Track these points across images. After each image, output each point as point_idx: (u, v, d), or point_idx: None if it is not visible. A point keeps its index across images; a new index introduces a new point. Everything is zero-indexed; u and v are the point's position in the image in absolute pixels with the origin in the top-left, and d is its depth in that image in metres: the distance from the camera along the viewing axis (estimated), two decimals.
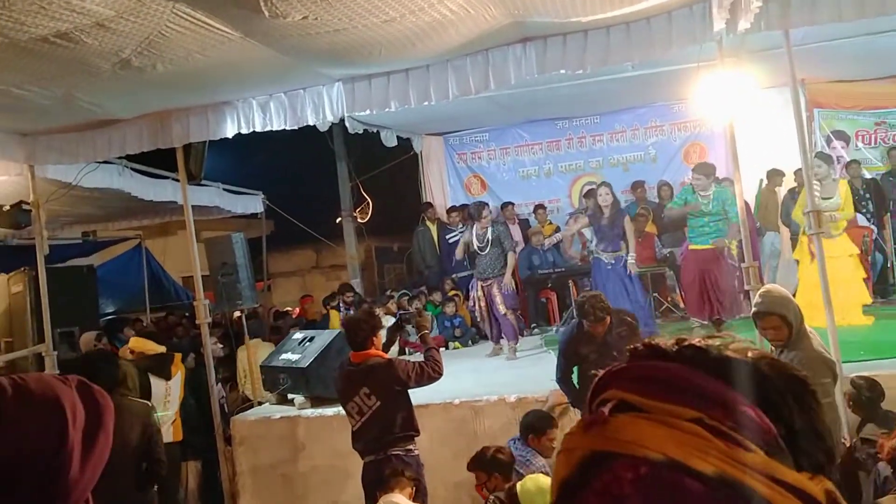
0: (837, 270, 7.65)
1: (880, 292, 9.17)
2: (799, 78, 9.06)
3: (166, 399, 5.97)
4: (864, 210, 9.40)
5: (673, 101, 10.89)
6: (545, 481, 4.21)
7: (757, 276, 5.71)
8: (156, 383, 5.90)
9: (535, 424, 5.02)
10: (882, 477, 3.87)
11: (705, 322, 8.12)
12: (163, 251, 13.99)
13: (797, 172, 9.07)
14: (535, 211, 11.35)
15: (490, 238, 8.26)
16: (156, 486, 5.00)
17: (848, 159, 10.09)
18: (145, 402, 5.10)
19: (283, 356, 6.98)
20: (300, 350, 6.84)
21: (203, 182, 8.86)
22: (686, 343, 0.78)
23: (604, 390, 0.77)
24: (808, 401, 0.76)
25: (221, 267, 7.58)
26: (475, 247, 8.36)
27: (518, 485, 4.15)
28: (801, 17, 5.51)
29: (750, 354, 0.77)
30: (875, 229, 9.39)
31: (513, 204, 11.28)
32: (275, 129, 6.53)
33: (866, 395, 4.59)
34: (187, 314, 11.17)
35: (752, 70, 7.56)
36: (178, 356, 6.40)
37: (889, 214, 9.56)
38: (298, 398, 6.66)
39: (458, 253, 8.87)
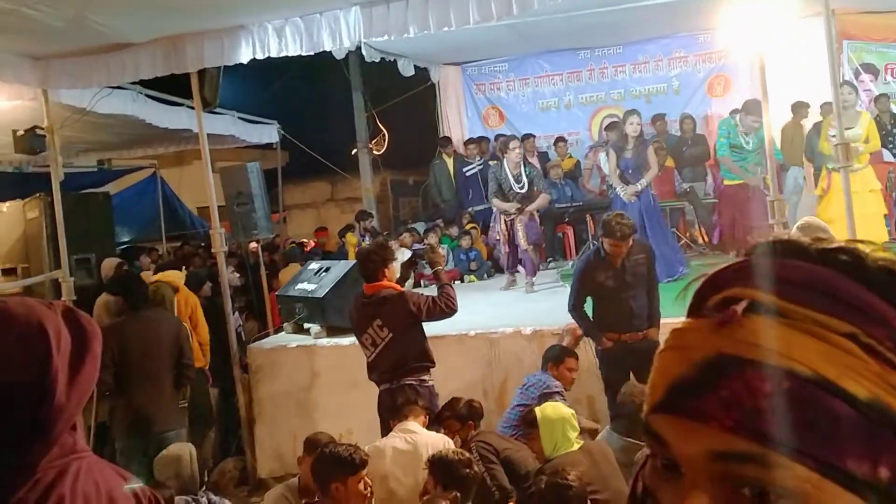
0: (857, 206, 7.51)
1: None
2: (830, 7, 8.81)
3: None
4: (892, 145, 9.18)
5: (699, 31, 10.58)
6: (566, 410, 4.20)
7: (782, 210, 5.60)
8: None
9: (555, 354, 5.03)
10: None
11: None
12: (178, 180, 13.94)
13: (823, 106, 8.85)
14: (555, 143, 11.17)
15: (525, 181, 8.14)
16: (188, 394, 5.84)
17: (877, 93, 9.82)
18: (177, 317, 5.94)
19: (300, 286, 6.97)
20: (316, 280, 6.83)
21: (218, 110, 8.74)
22: (836, 245, 0.65)
23: (724, 287, 0.65)
24: None
25: (237, 196, 7.52)
26: (512, 187, 8.17)
27: (537, 409, 4.15)
28: None
29: None
30: None
31: (534, 136, 11.09)
32: (290, 54, 6.38)
33: None
34: (203, 244, 11.18)
35: None
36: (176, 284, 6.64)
37: None
38: (314, 327, 6.67)
39: (491, 195, 8.45)
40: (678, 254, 8.10)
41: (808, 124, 9.33)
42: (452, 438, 4.41)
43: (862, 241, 0.68)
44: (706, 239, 9.77)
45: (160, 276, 6.84)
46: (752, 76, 9.31)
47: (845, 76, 10.11)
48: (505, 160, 8.29)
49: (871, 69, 10.42)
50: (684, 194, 9.88)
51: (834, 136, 7.38)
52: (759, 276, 0.64)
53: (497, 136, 11.05)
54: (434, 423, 4.54)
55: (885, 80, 10.43)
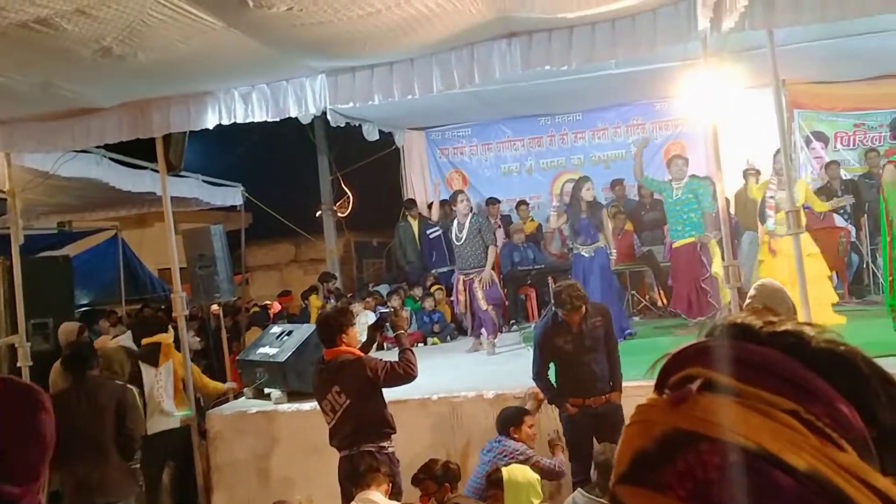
0: (806, 269, 7.72)
1: (856, 293, 9.27)
2: (780, 78, 9.17)
3: (157, 384, 6.34)
4: (842, 211, 9.49)
5: (655, 99, 10.93)
6: (531, 475, 4.21)
7: (737, 274, 5.73)
8: (146, 370, 6.35)
9: (513, 416, 5.03)
10: None
11: (693, 319, 8.13)
12: (139, 242, 13.83)
13: (746, 171, 9.21)
14: (517, 207, 11.36)
15: (469, 228, 8.23)
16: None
17: (827, 160, 10.18)
18: (122, 383, 5.76)
19: (261, 350, 6.92)
20: (278, 344, 6.79)
21: (182, 173, 8.77)
22: (780, 328, 0.72)
23: (684, 366, 0.72)
24: None
25: (199, 259, 7.51)
26: (454, 236, 8.33)
27: (504, 471, 4.15)
28: (785, 17, 5.53)
29: (843, 348, 0.72)
30: (852, 230, 9.48)
31: (499, 202, 11.26)
32: (256, 120, 6.48)
33: None
34: (163, 307, 11.06)
35: (734, 69, 7.59)
36: (168, 346, 6.53)
37: (865, 216, 9.64)
38: (275, 392, 6.61)
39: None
40: (624, 318, 8.23)
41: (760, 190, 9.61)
42: (427, 501, 4.39)
43: (808, 324, 0.76)
44: (665, 301, 9.91)
45: (155, 338, 6.63)
46: (706, 143, 9.61)
47: (796, 143, 10.50)
48: (456, 215, 8.41)
49: (821, 137, 10.83)
50: (643, 258, 10.06)
51: (772, 197, 7.64)
52: (713, 357, 0.71)
53: None
54: (411, 484, 4.53)
55: (835, 147, 10.83)
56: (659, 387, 0.74)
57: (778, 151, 7.72)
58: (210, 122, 6.37)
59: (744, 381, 0.67)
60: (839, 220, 9.41)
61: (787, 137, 8.44)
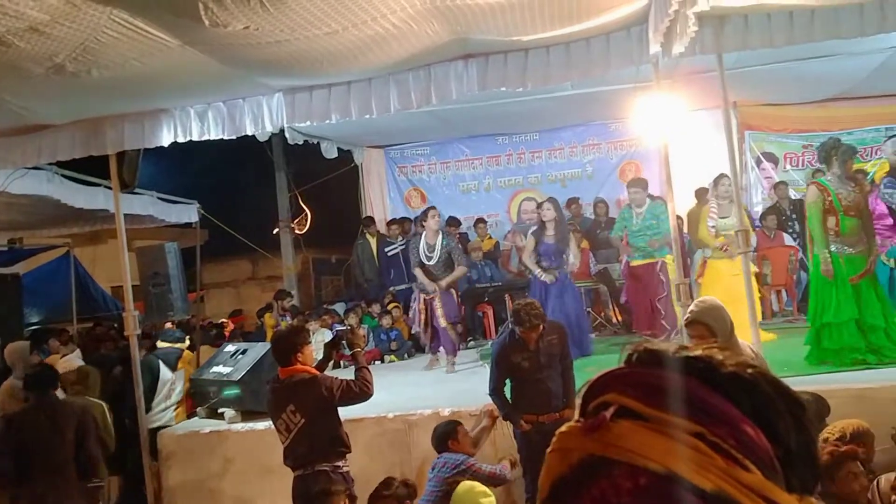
0: (736, 289, 7.89)
1: (804, 309, 9.46)
2: (731, 100, 9.38)
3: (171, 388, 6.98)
4: (791, 230, 9.72)
5: (610, 120, 11.11)
6: (480, 488, 4.22)
7: (687, 292, 5.84)
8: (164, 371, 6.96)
9: (447, 431, 5.04)
10: None
11: (654, 337, 8.24)
12: (92, 260, 13.61)
13: (697, 192, 9.39)
14: (475, 225, 11.43)
15: (440, 251, 8.24)
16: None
17: (776, 180, 10.42)
18: (84, 402, 5.84)
19: (214, 369, 6.84)
20: (232, 363, 6.72)
21: (136, 190, 8.66)
22: (690, 354, 0.77)
23: (602, 393, 0.75)
24: (804, 422, 0.76)
25: (153, 277, 7.43)
26: (424, 257, 8.30)
27: (462, 485, 4.17)
28: (734, 42, 5.70)
29: (750, 371, 0.76)
30: (800, 249, 9.70)
31: (459, 223, 11.32)
32: (212, 138, 6.44)
33: (814, 408, 4.68)
34: (116, 325, 10.88)
35: (686, 92, 7.78)
36: (187, 353, 7.06)
37: None
38: (229, 412, 6.54)
39: (413, 266, 8.51)
40: (587, 334, 8.32)
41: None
42: None
43: (718, 348, 0.80)
44: (619, 319, 10.04)
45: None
46: (660, 163, 9.77)
47: (748, 164, 10.76)
48: (424, 232, 8.42)
49: (771, 158, 11.11)
50: (598, 275, 10.18)
51: (713, 226, 7.80)
52: (626, 384, 0.75)
53: (417, 218, 11.26)
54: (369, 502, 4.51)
55: (785, 168, 11.11)
56: (582, 412, 0.77)
57: (720, 176, 7.88)
58: (165, 139, 6.32)
59: (654, 407, 0.71)
60: (788, 240, 9.63)
61: (738, 158, 8.64)
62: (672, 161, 6.22)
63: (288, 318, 9.77)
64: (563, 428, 0.75)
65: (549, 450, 0.74)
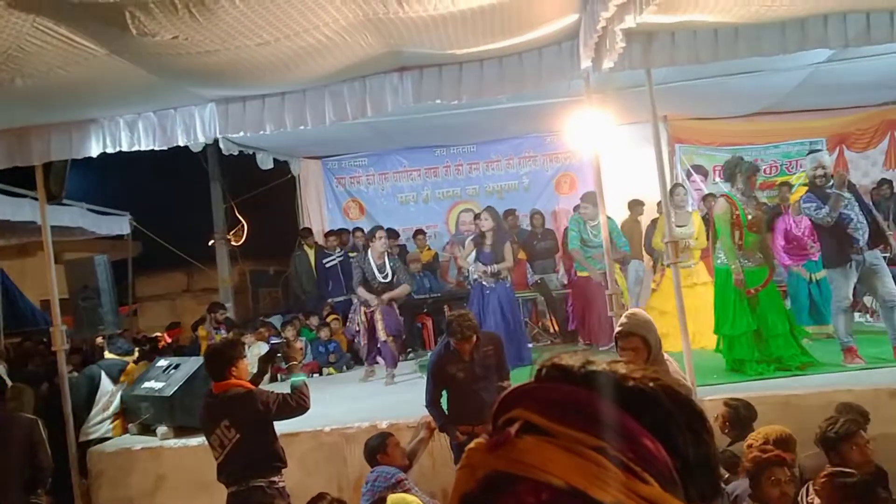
0: (690, 298, 8.09)
1: None
2: (662, 114, 9.63)
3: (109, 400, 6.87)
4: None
5: (545, 132, 11.26)
6: (411, 499, 4.21)
7: (619, 302, 5.95)
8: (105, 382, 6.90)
9: (376, 445, 5.03)
10: (734, 495, 4.05)
11: (602, 346, 8.36)
12: (21, 273, 13.19)
13: (660, 203, 9.57)
14: (414, 236, 11.44)
15: (390, 270, 8.27)
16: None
17: (706, 192, 10.70)
18: (31, 417, 5.75)
19: (146, 384, 6.70)
20: (164, 378, 6.59)
21: (65, 201, 8.45)
22: (594, 369, 0.79)
23: (510, 408, 0.77)
24: (704, 434, 0.79)
25: (82, 290, 7.26)
26: (376, 277, 8.28)
27: (389, 499, 4.15)
28: (661, 58, 5.86)
29: (651, 385, 0.78)
30: None
31: (398, 234, 11.32)
32: (143, 149, 6.34)
33: (743, 414, 4.80)
34: (45, 339, 10.56)
35: (618, 106, 7.93)
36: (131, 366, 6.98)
37: None
38: (161, 428, 6.40)
39: (356, 284, 8.47)
40: (525, 344, 8.42)
41: (644, 220, 10.03)
42: None
43: (622, 363, 0.82)
44: (556, 329, 10.16)
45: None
46: (593, 175, 9.94)
47: (678, 177, 11.01)
48: (370, 250, 8.40)
49: (700, 170, 11.40)
50: (535, 286, 10.29)
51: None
52: (531, 399, 0.77)
53: (355, 229, 11.24)
54: None
55: (714, 180, 11.40)
56: (492, 428, 0.79)
57: (675, 186, 8.13)
58: (94, 150, 6.19)
59: (557, 422, 0.73)
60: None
61: (669, 170, 8.87)
62: (605, 173, 6.35)
63: (222, 330, 9.62)
64: (472, 444, 0.76)
65: (458, 466, 0.76)
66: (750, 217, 6.57)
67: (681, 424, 0.78)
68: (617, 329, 4.14)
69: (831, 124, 11.25)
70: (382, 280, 8.26)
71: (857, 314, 9.42)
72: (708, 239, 7.38)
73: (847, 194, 6.53)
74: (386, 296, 8.22)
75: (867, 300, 8.66)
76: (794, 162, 11.34)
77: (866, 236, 6.55)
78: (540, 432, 0.73)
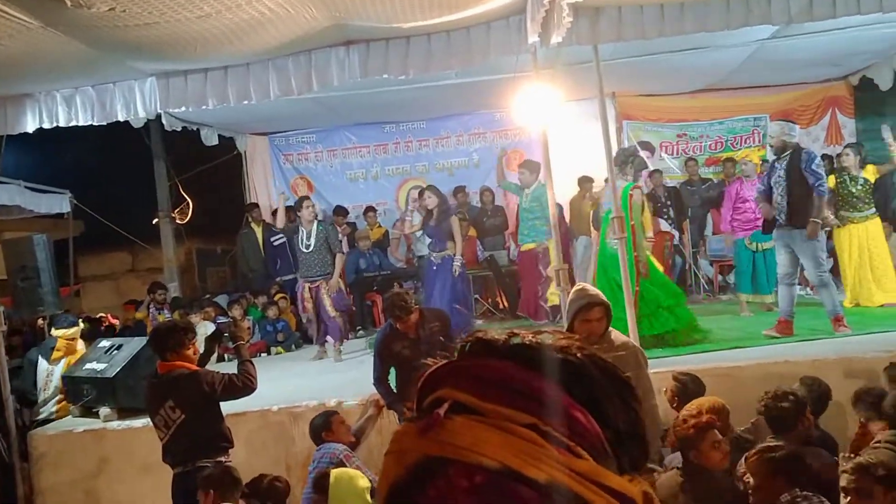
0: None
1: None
2: (609, 91, 9.68)
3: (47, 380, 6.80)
4: (666, 216, 10.11)
5: (495, 109, 11.23)
6: (362, 484, 4.21)
7: (567, 278, 5.99)
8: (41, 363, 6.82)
9: (320, 423, 5.02)
10: (671, 467, 4.11)
11: (538, 322, 8.45)
12: None
13: (580, 178, 9.74)
14: (364, 213, 11.36)
15: (316, 236, 8.18)
16: None
17: (652, 168, 10.81)
18: None
19: (88, 365, 6.55)
20: (107, 359, 6.45)
21: (1, 179, 8.18)
22: (518, 341, 0.76)
23: (436, 388, 0.74)
24: (632, 403, 0.77)
25: (20, 270, 7.05)
26: (301, 245, 8.25)
27: (333, 473, 4.14)
28: (608, 33, 5.87)
29: (579, 354, 0.76)
30: (675, 234, 10.12)
31: (346, 212, 11.23)
32: (81, 124, 6.16)
33: (691, 389, 4.87)
34: None
35: (566, 82, 7.94)
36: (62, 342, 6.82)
37: (688, 220, 10.33)
38: (104, 410, 6.28)
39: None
40: (473, 320, 8.48)
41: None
42: None
43: (548, 332, 0.80)
44: (506, 305, 10.21)
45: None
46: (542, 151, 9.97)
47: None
48: (301, 223, 8.35)
49: (647, 146, 11.50)
50: (485, 262, 10.32)
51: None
52: (458, 378, 0.74)
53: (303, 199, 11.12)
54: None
55: (661, 156, 11.54)
56: (418, 409, 0.76)
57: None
58: (29, 125, 6.00)
59: (486, 399, 0.70)
60: (664, 225, 10.01)
61: (617, 147, 8.91)
62: (553, 150, 6.36)
63: (166, 311, 9.45)
64: (399, 428, 0.74)
65: (385, 452, 0.73)
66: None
67: (610, 394, 0.76)
68: (580, 302, 4.13)
69: (775, 101, 11.43)
70: (305, 249, 8.21)
71: (798, 287, 9.70)
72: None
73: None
74: (333, 280, 8.20)
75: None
76: (739, 138, 11.52)
77: (783, 215, 6.70)
78: (470, 412, 0.70)
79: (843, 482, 3.19)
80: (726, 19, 5.88)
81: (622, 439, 0.75)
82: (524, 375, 0.73)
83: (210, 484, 4.20)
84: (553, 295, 7.92)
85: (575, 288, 4.37)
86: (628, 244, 6.34)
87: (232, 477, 4.29)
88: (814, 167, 6.60)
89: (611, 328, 4.27)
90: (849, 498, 3.15)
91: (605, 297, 4.25)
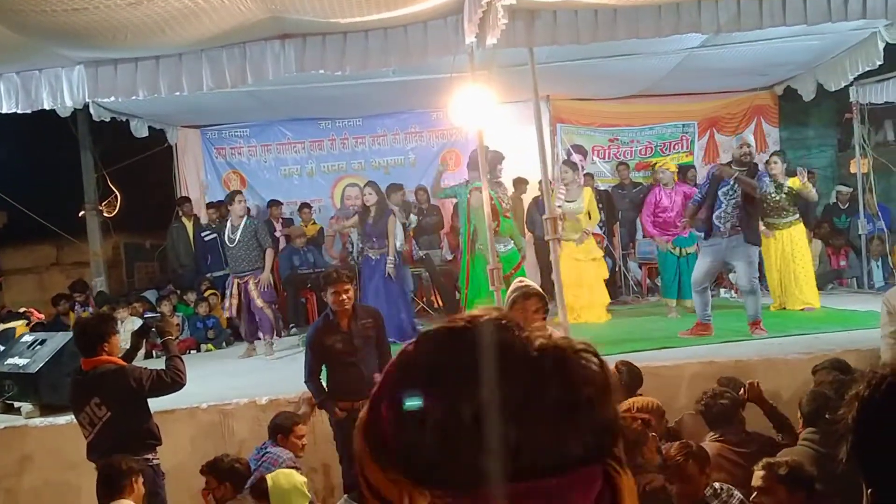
0: (584, 272, 8.40)
1: (610, 294, 10.09)
2: (544, 94, 9.81)
3: None
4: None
5: (432, 108, 11.25)
6: (298, 478, 4.19)
7: (500, 278, 6.06)
8: None
9: (283, 424, 4.97)
10: None
11: None
12: None
13: (515, 180, 9.88)
14: (299, 210, 11.24)
15: (243, 230, 8.10)
16: None
17: (584, 172, 10.99)
18: None
19: (9, 360, 6.35)
20: (29, 354, 6.26)
21: None
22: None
23: None
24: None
25: None
26: (227, 238, 8.16)
27: (269, 477, 4.11)
28: (543, 37, 5.97)
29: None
30: (605, 237, 10.32)
31: (281, 204, 11.10)
32: (4, 111, 5.96)
33: (626, 380, 4.97)
34: None
35: (502, 84, 8.01)
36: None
37: (618, 223, 10.55)
38: (26, 406, 6.09)
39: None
40: (411, 319, 8.48)
41: (527, 199, 10.25)
42: (207, 496, 4.35)
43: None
44: (441, 304, 10.25)
45: None
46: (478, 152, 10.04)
47: (559, 156, 11.27)
48: (229, 215, 8.25)
49: (580, 150, 11.67)
50: (420, 261, 10.34)
51: (560, 206, 8.23)
52: None
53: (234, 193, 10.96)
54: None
55: (593, 160, 11.75)
56: None
57: (564, 162, 8.34)
58: None
59: None
60: (595, 228, 10.19)
61: (550, 149, 9.06)
62: (491, 151, 6.42)
63: (90, 308, 9.21)
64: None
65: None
66: (505, 205, 7.04)
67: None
68: (518, 292, 4.19)
69: (703, 108, 11.77)
70: (230, 244, 8.15)
71: (723, 290, 10.02)
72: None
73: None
74: (264, 275, 8.12)
75: (733, 277, 9.15)
76: (668, 143, 11.81)
77: (728, 224, 6.93)
78: None
79: (753, 480, 3.31)
80: (657, 27, 6.04)
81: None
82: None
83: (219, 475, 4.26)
84: None
85: (514, 282, 4.45)
86: None
87: (241, 473, 4.36)
88: (766, 179, 6.93)
89: (551, 323, 4.34)
90: (755, 494, 3.27)
91: (539, 289, 4.32)
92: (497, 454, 0.68)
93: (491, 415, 0.69)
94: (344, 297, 5.12)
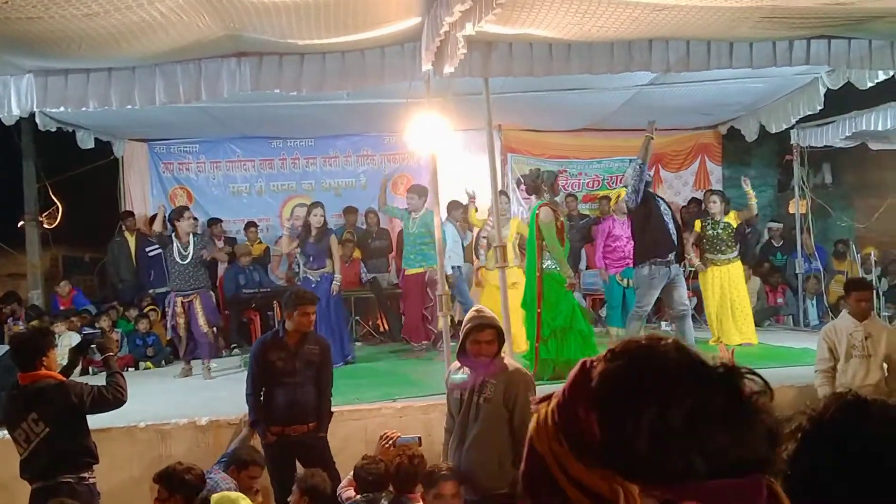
0: (512, 298, 8.45)
1: None
2: (497, 123, 9.93)
3: None
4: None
5: (385, 132, 11.29)
6: (237, 496, 4.11)
7: (449, 303, 6.09)
8: None
9: (243, 457, 4.86)
10: None
11: (417, 344, 8.53)
12: None
13: (449, 204, 9.94)
14: (245, 229, 11.13)
15: (193, 249, 7.99)
16: None
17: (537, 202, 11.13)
18: None
19: None
20: None
21: None
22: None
23: None
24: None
25: None
26: (177, 257, 8.02)
27: (213, 498, 4.03)
28: (499, 68, 6.08)
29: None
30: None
31: (221, 221, 10.96)
32: None
33: None
34: None
35: (456, 111, 8.08)
36: None
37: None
38: None
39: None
40: (347, 343, 8.48)
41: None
42: None
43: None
44: (387, 328, 10.23)
45: None
46: (429, 177, 10.10)
47: (510, 185, 11.41)
48: (176, 231, 8.12)
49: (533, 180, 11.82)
50: (368, 284, 10.31)
51: (486, 237, 8.33)
52: None
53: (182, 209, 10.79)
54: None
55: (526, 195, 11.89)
56: None
57: (501, 192, 8.43)
58: None
59: None
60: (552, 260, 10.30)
61: (500, 178, 9.16)
62: (440, 177, 6.48)
63: (21, 322, 8.94)
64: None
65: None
66: (560, 222, 6.95)
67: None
68: (472, 323, 4.13)
69: None
70: (181, 261, 8.02)
71: (663, 323, 10.19)
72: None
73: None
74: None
75: None
76: (615, 177, 12.03)
77: (669, 252, 7.19)
78: None
79: None
80: (610, 63, 6.20)
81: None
82: None
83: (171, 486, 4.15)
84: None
85: (471, 310, 4.38)
86: (530, 267, 6.60)
87: (193, 484, 4.23)
88: None
89: (504, 353, 4.31)
90: None
91: (498, 321, 4.30)
92: (699, 453, 0.83)
93: (695, 418, 0.83)
94: (312, 317, 5.10)
